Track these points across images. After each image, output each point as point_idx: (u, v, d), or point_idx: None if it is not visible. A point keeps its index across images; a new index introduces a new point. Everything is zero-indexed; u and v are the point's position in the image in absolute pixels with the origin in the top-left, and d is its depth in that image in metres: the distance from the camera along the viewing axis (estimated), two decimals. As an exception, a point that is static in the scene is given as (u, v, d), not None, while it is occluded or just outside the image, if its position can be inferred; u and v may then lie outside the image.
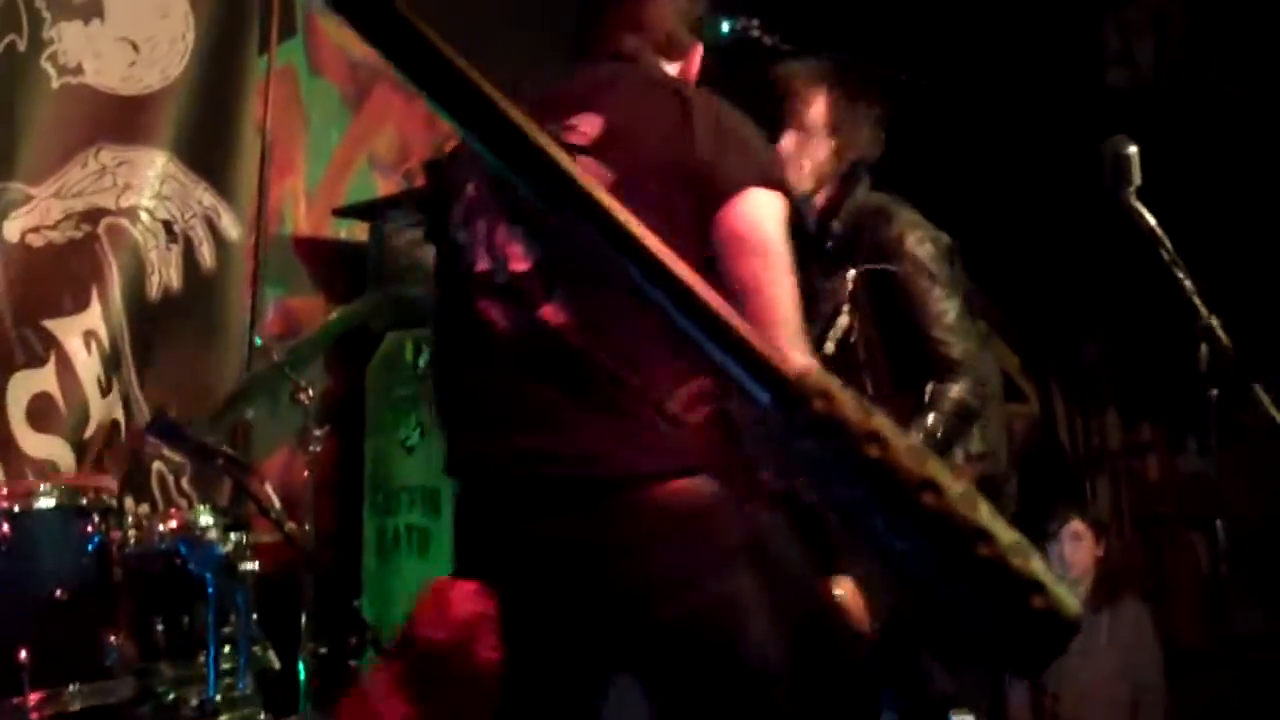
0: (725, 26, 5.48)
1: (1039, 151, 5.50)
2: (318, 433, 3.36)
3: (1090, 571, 4.86)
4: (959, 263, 3.35)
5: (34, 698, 2.53)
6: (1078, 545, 4.88)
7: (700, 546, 1.86)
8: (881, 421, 0.57)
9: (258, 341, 4.08)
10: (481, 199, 2.07)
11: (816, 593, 1.95)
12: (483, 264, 2.00)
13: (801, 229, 3.37)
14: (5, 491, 2.81)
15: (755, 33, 5.40)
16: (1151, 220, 2.65)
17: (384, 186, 4.89)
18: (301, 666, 3.06)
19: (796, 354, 1.86)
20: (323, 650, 3.19)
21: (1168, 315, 2.78)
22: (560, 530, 1.88)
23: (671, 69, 2.20)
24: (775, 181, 1.98)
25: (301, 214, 4.75)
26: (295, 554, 3.08)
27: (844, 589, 1.98)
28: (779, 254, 1.90)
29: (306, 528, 3.19)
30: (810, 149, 3.37)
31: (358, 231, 4.72)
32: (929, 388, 3.15)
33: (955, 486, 0.55)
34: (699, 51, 2.28)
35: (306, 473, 3.37)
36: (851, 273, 3.19)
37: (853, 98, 3.41)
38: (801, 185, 3.35)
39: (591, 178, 2.04)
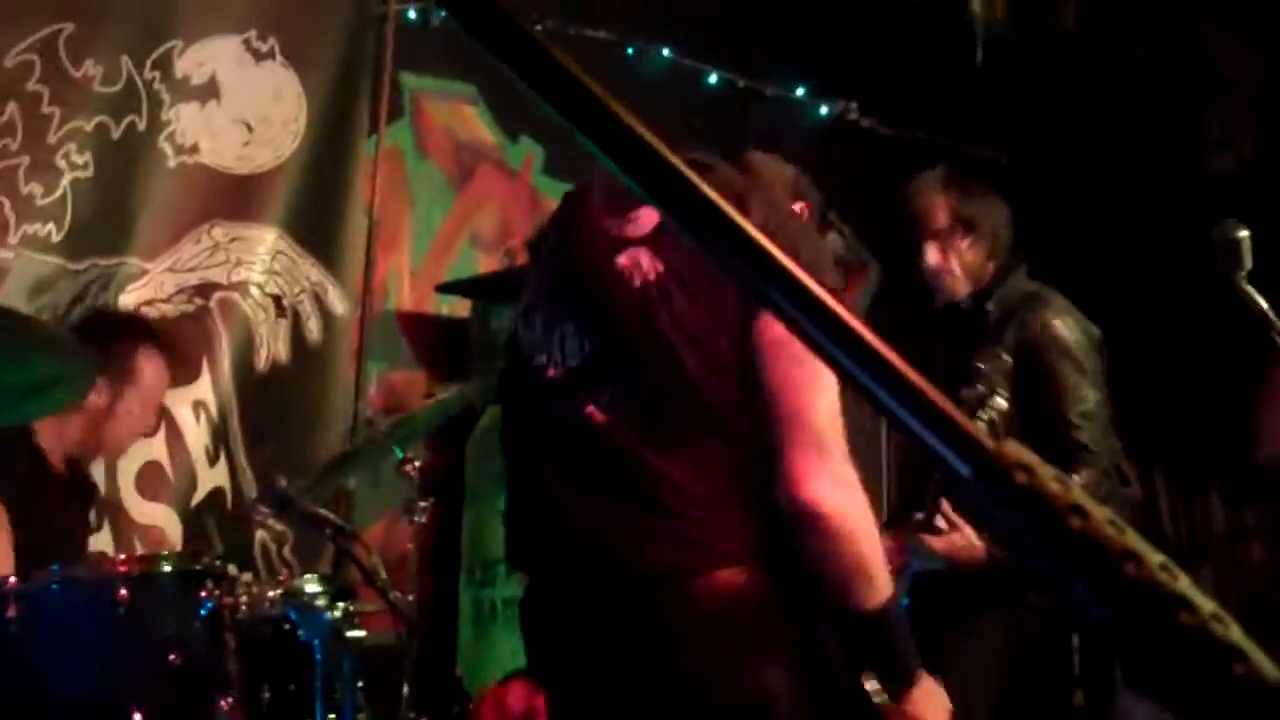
0: (824, 110, 5.57)
1: (1142, 237, 5.49)
2: (422, 504, 3.41)
3: None
4: (1105, 356, 3.38)
5: (146, 760, 2.57)
6: None
7: (739, 639, 1.88)
8: (1081, 494, 0.60)
9: (362, 414, 4.16)
10: (542, 293, 2.12)
11: (855, 686, 1.95)
12: (540, 359, 2.05)
13: (959, 309, 3.43)
14: (124, 557, 2.88)
15: (853, 115, 5.48)
16: (1264, 304, 2.64)
17: (485, 264, 4.98)
18: (404, 736, 3.09)
19: (834, 464, 1.85)
20: (424, 720, 3.21)
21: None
22: (606, 625, 1.92)
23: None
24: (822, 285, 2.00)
25: (405, 290, 4.85)
26: (398, 623, 3.12)
27: (876, 684, 1.98)
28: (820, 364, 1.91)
29: (409, 598, 3.23)
30: (951, 254, 3.44)
31: (459, 308, 4.81)
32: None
33: (1155, 557, 0.58)
34: (799, 208, 2.35)
35: (410, 544, 3.42)
36: (1007, 357, 3.23)
37: (968, 192, 3.47)
38: (958, 291, 3.43)
39: (639, 268, 2.04)
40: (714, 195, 0.68)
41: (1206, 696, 0.55)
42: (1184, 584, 0.57)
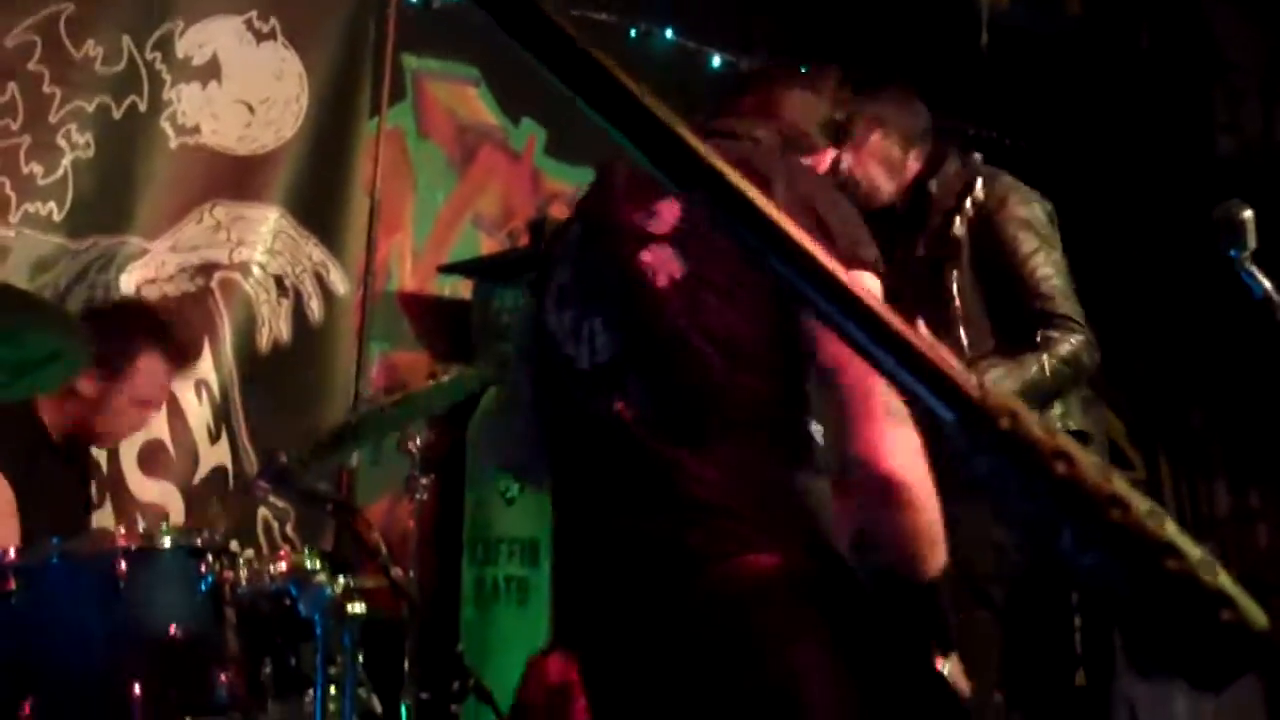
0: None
1: (1147, 219, 5.47)
2: (424, 481, 3.41)
3: None
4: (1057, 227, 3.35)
5: (146, 733, 2.58)
6: None
7: (771, 621, 1.87)
8: (1066, 440, 0.59)
9: (364, 394, 4.16)
10: (571, 287, 2.11)
11: (906, 669, 1.94)
12: (570, 351, 2.06)
13: (894, 213, 3.37)
14: (124, 532, 2.88)
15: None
16: (1268, 284, 2.62)
17: (487, 245, 4.98)
18: (404, 711, 3.09)
19: (908, 433, 1.84)
20: (424, 696, 3.21)
21: (1278, 380, 2.75)
22: (640, 605, 1.93)
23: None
24: (866, 261, 1.96)
25: (407, 271, 4.84)
26: (399, 600, 3.11)
27: (949, 665, 1.96)
28: None
29: (411, 575, 3.23)
30: (864, 155, 3.39)
31: (461, 289, 4.81)
32: (1040, 334, 3.12)
33: (1141, 503, 0.57)
34: (829, 155, 2.26)
35: (412, 522, 3.42)
36: (959, 220, 3.20)
37: (868, 94, 3.39)
38: (885, 191, 3.37)
39: (661, 268, 2.03)
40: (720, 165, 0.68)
41: (1194, 642, 0.54)
42: (1171, 530, 0.56)
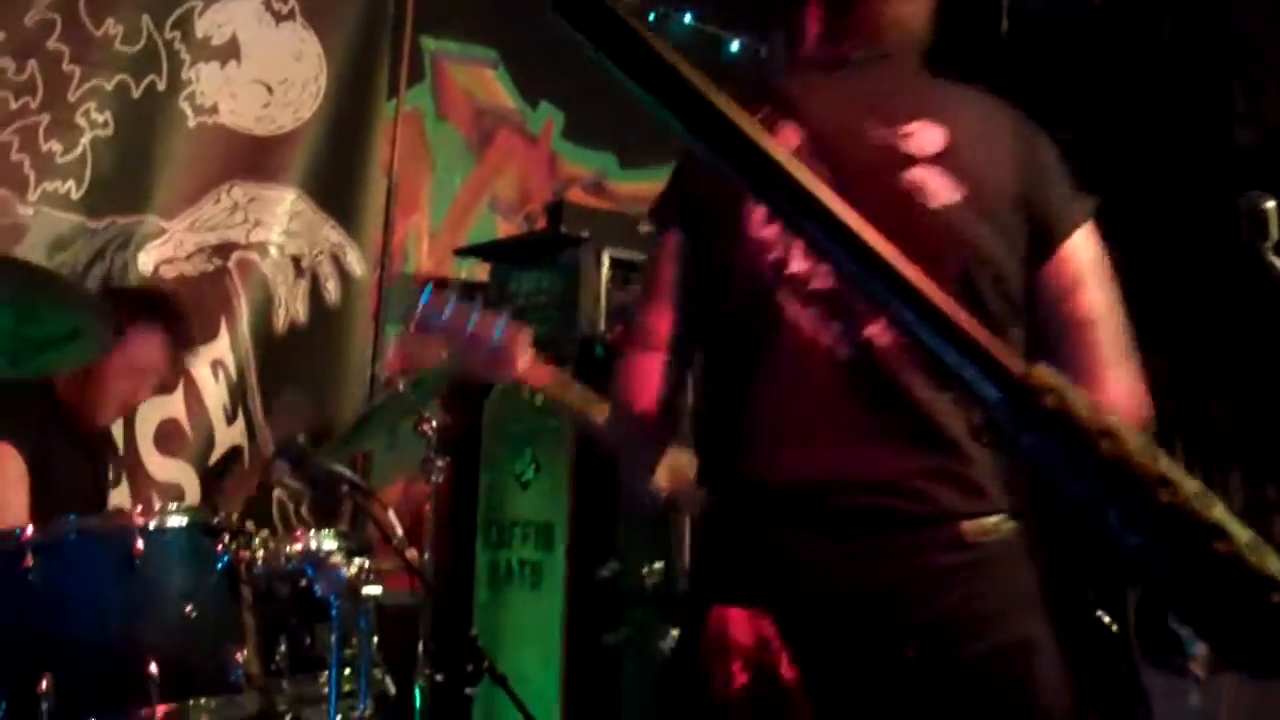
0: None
1: (1167, 208, 5.44)
2: (439, 464, 3.41)
3: None
4: None
5: (161, 710, 2.58)
6: None
7: (1003, 586, 1.78)
8: (1113, 419, 0.58)
9: (380, 375, 4.16)
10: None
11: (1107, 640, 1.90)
12: (798, 266, 1.83)
13: None
14: (140, 510, 2.89)
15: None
16: (1290, 275, 2.61)
17: (504, 229, 4.97)
18: (418, 693, 3.10)
19: (1134, 381, 1.86)
20: (438, 678, 3.22)
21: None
22: (861, 560, 1.76)
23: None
24: (1094, 213, 1.94)
25: (424, 253, 4.84)
26: (414, 582, 3.12)
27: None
28: (1115, 287, 1.92)
29: (425, 557, 3.23)
30: None
31: (478, 271, 4.80)
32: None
33: (1190, 484, 0.56)
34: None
35: (427, 505, 3.42)
36: None
37: None
38: None
39: (921, 183, 1.81)
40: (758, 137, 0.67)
41: (1242, 623, 0.54)
42: (1219, 512, 0.56)
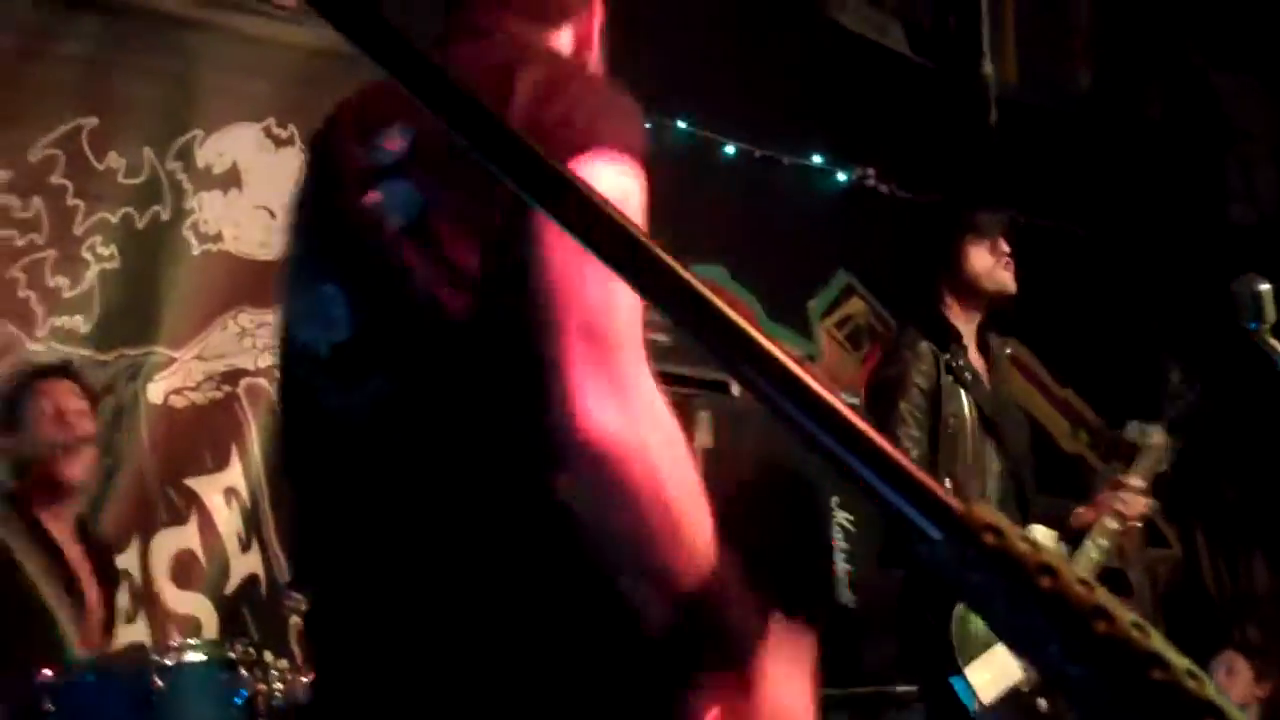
0: (842, 176, 5.61)
1: (1164, 292, 5.47)
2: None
3: (1248, 705, 4.86)
4: None
5: None
6: (1233, 679, 4.91)
7: None
8: (1051, 554, 0.60)
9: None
10: (299, 252, 1.71)
11: None
12: (304, 334, 1.62)
13: None
14: (157, 645, 2.90)
15: (871, 181, 5.52)
16: (1287, 356, 2.63)
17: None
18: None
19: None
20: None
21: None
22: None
23: (561, 36, 1.69)
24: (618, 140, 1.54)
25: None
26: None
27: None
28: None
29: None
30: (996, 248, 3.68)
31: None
32: None
33: (1126, 614, 0.58)
34: (598, 7, 1.75)
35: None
36: None
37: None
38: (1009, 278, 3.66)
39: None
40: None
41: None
42: (1157, 640, 0.57)
